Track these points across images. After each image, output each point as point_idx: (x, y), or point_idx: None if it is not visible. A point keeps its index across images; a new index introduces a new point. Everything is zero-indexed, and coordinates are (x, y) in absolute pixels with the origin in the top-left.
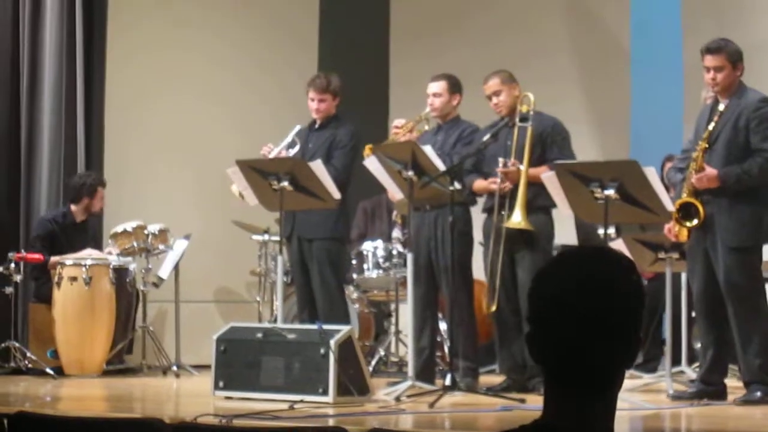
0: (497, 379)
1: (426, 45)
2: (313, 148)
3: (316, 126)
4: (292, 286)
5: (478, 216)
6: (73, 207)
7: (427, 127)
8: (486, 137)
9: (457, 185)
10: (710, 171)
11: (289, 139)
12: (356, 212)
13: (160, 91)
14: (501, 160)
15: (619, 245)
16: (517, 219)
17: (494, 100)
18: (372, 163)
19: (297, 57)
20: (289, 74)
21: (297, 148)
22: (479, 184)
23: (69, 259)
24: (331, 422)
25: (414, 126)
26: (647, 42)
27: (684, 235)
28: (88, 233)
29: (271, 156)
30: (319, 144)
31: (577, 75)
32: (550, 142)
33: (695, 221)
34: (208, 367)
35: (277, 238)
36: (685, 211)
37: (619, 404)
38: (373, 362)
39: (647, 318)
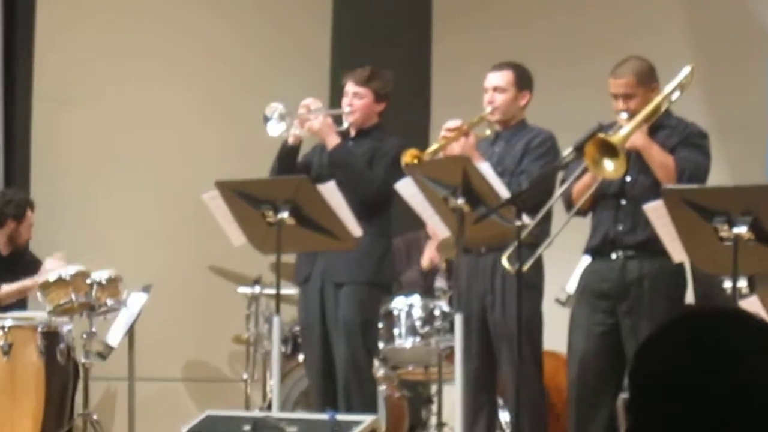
0: None
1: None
2: None
3: (351, 135)
4: (292, 359)
5: (551, 263)
6: None
7: (488, 132)
8: (568, 151)
9: (526, 219)
10: None
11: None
12: None
13: (107, 78)
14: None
15: (752, 304)
16: (622, 132)
17: (621, 104)
18: (406, 188)
19: (305, 36)
20: (295, 57)
21: (344, 126)
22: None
23: None
24: None
25: (470, 128)
26: None
27: None
28: (20, 272)
29: (314, 114)
30: None
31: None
32: (683, 143)
33: None
34: None
35: (273, 291)
36: None
37: None
38: None
39: None
